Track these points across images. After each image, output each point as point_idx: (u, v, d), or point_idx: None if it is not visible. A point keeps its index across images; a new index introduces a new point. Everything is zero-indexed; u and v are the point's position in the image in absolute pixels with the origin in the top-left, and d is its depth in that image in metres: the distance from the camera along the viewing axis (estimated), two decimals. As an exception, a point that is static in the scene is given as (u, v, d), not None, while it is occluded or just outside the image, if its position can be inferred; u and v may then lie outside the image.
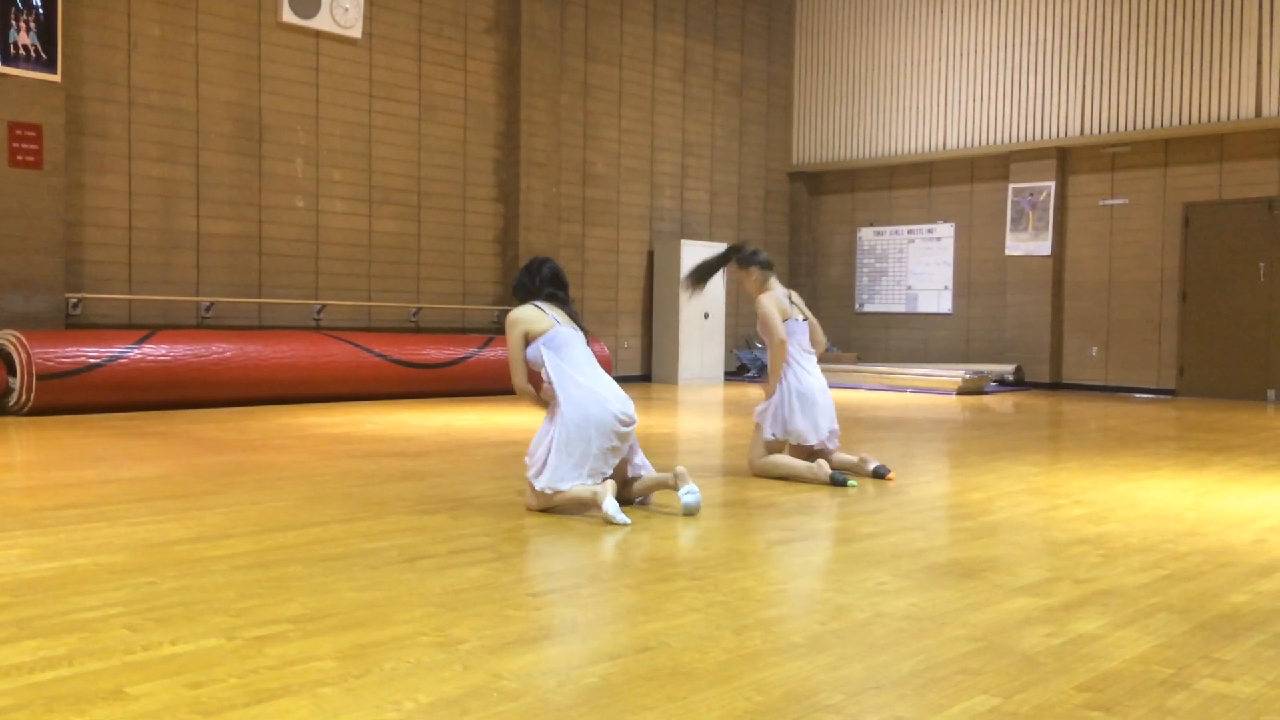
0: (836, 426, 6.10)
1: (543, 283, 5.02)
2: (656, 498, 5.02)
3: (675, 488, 4.76)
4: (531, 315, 4.90)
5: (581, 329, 4.99)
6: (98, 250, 9.82)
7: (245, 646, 2.79)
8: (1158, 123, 13.17)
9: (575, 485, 4.65)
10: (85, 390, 8.71)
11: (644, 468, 4.98)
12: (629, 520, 4.50)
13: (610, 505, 4.48)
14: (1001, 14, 14.57)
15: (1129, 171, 13.70)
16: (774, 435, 5.97)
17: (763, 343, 6.31)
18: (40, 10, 9.12)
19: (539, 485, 4.68)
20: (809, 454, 6.01)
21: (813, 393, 5.97)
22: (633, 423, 4.80)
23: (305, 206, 11.16)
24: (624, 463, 4.91)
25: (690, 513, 4.71)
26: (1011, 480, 6.04)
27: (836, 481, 5.63)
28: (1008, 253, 14.58)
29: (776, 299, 6.05)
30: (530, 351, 4.88)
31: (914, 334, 15.67)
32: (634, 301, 14.49)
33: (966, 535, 4.52)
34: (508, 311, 12.60)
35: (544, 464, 4.70)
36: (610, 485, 4.58)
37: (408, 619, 3.07)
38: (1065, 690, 2.58)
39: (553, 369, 4.80)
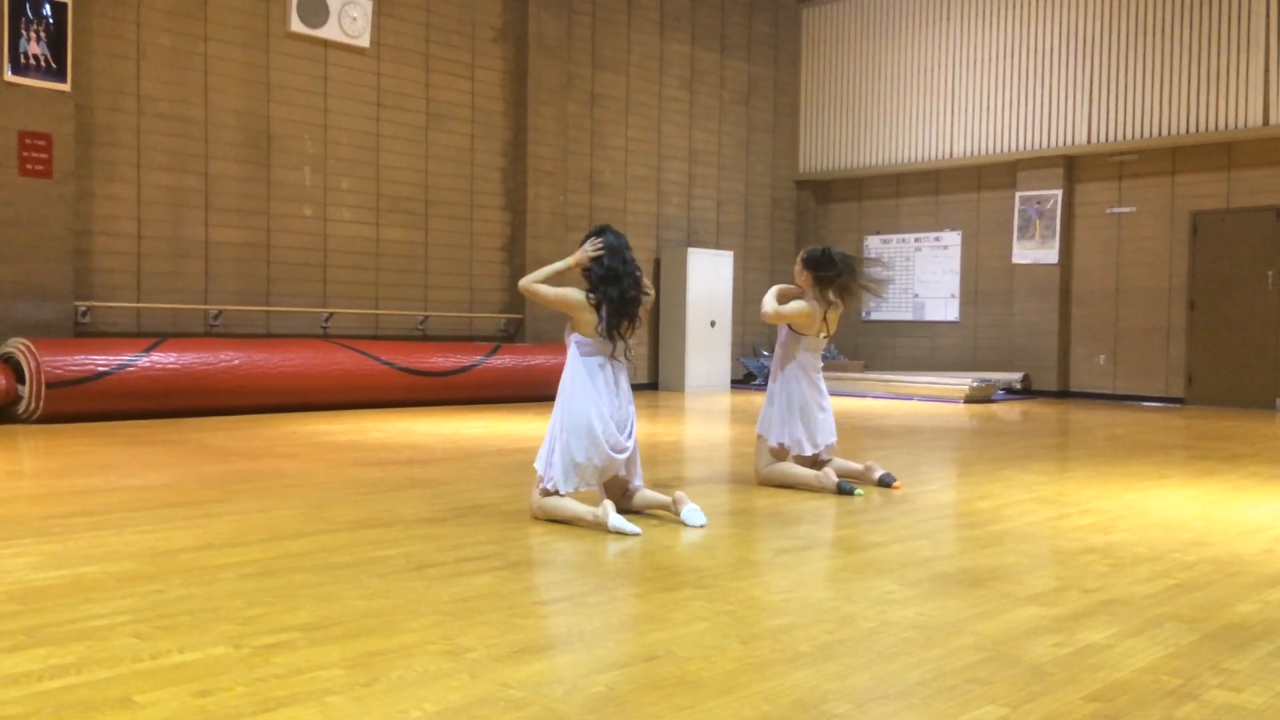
0: (834, 441, 6.10)
1: (612, 301, 4.78)
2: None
3: (675, 512, 4.77)
4: (590, 317, 4.79)
5: (624, 348, 4.87)
6: (107, 259, 9.85)
7: (253, 655, 2.79)
8: (1165, 131, 13.16)
9: (570, 501, 4.70)
10: (94, 398, 8.73)
11: (640, 481, 4.99)
12: (639, 530, 4.50)
13: (615, 520, 4.49)
14: (1008, 22, 14.57)
15: (1136, 180, 13.68)
16: (779, 442, 5.96)
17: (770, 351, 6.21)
18: (50, 20, 9.17)
19: (546, 482, 4.74)
20: (813, 462, 6.01)
21: (813, 408, 5.97)
22: (624, 452, 4.80)
23: (313, 215, 11.19)
24: (623, 475, 4.92)
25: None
26: (1019, 489, 6.03)
27: (843, 490, 5.62)
28: (1015, 261, 14.57)
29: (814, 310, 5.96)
30: (567, 333, 4.89)
31: (921, 342, 15.65)
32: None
33: (974, 544, 4.51)
34: (514, 318, 12.68)
35: (548, 463, 4.75)
36: (609, 504, 4.58)
37: (415, 627, 3.07)
38: (1073, 700, 2.57)
39: (573, 370, 4.82)
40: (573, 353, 4.86)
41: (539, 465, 4.82)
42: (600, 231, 4.91)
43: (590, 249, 4.86)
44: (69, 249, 9.40)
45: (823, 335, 6.01)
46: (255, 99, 10.72)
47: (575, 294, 4.86)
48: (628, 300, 4.83)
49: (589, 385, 4.78)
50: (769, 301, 5.98)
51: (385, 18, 11.65)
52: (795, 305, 5.94)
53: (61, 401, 8.58)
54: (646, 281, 4.99)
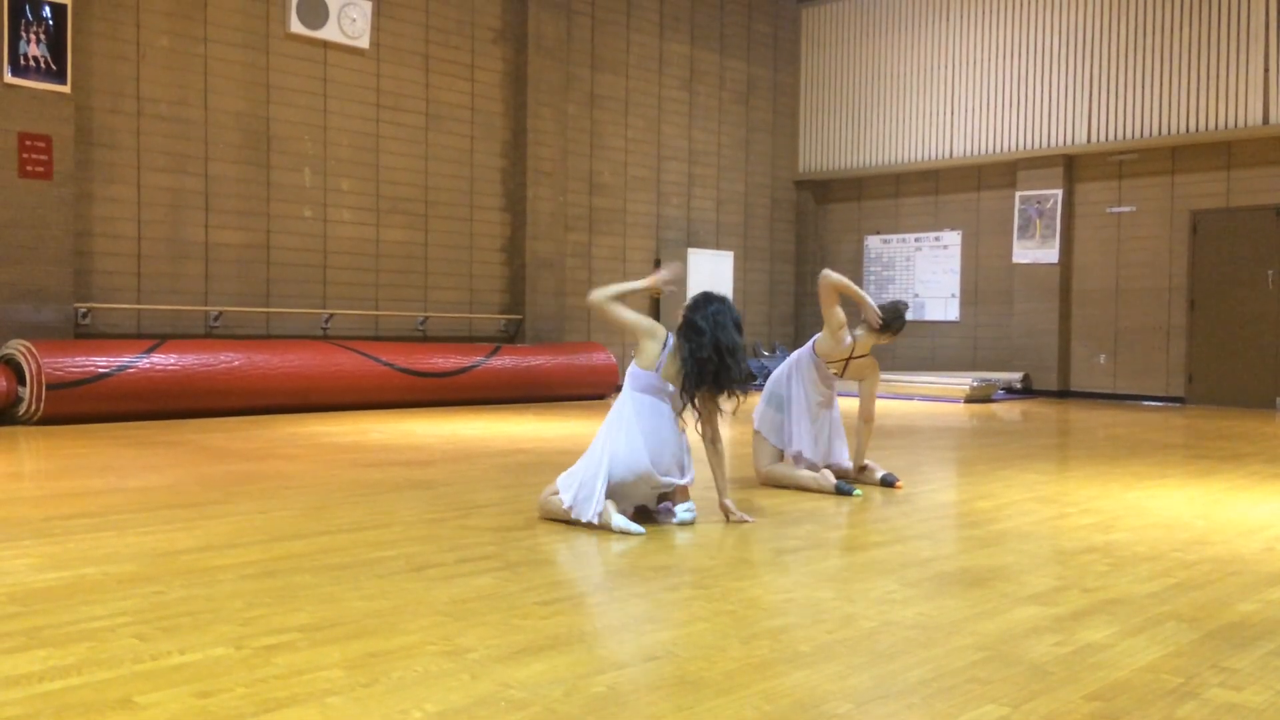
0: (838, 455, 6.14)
1: (695, 362, 4.62)
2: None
3: (674, 500, 4.76)
4: (654, 347, 4.70)
5: (685, 408, 4.71)
6: (107, 260, 9.85)
7: (253, 656, 2.79)
8: (1165, 130, 13.15)
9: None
10: (94, 400, 8.73)
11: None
12: (643, 529, 4.50)
13: (619, 521, 4.48)
14: (1008, 22, 14.57)
15: (1136, 179, 13.68)
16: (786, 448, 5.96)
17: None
18: (50, 22, 9.17)
19: (566, 502, 4.63)
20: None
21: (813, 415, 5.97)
22: (663, 488, 4.72)
23: (313, 216, 11.20)
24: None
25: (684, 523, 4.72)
26: (1019, 488, 6.03)
27: (842, 491, 5.62)
28: (1015, 260, 14.57)
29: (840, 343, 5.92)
30: (636, 371, 4.72)
31: (921, 342, 15.65)
32: (640, 310, 14.42)
33: (974, 544, 4.51)
34: (514, 319, 12.68)
35: (579, 484, 4.62)
36: (610, 505, 4.55)
37: (415, 628, 3.07)
38: (1074, 700, 2.57)
39: (626, 403, 4.71)
40: (628, 385, 4.74)
41: (561, 484, 4.68)
42: (699, 304, 4.77)
43: (664, 276, 4.81)
44: (69, 251, 9.40)
45: (833, 372, 6.01)
46: (255, 100, 10.72)
47: (649, 323, 4.73)
48: (712, 368, 4.63)
49: (639, 422, 4.64)
50: (835, 284, 5.81)
51: (385, 19, 11.65)
52: (841, 318, 5.84)
53: (62, 403, 8.58)
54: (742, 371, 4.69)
